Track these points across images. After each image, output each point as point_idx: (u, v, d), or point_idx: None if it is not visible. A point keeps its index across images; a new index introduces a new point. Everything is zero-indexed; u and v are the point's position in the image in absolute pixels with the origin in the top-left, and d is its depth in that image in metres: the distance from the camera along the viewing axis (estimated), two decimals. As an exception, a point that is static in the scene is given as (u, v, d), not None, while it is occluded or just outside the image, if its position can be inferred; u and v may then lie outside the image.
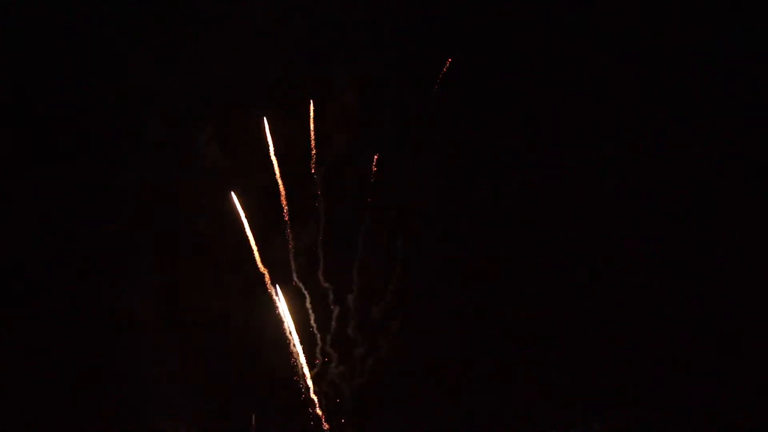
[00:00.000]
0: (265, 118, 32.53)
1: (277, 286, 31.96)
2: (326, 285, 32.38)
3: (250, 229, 32.16)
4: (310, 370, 32.05)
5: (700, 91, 31.85)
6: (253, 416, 31.81)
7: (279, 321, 31.92)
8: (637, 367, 31.32)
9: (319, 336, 32.33)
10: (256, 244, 32.24)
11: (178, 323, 31.96)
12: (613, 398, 31.07)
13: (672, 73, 32.40)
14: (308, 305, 32.34)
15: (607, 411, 31.01)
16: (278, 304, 31.95)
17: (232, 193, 32.07)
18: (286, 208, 32.56)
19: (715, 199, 31.75)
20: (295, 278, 32.33)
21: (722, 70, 31.89)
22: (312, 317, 32.35)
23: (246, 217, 32.13)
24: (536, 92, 32.87)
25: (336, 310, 32.30)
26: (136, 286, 31.90)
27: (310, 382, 31.96)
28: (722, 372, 30.79)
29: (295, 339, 31.85)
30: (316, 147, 32.66)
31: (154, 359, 31.45)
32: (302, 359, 31.91)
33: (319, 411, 31.87)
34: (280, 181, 32.59)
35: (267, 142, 32.59)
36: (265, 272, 32.16)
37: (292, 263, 32.40)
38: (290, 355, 31.93)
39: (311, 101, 32.58)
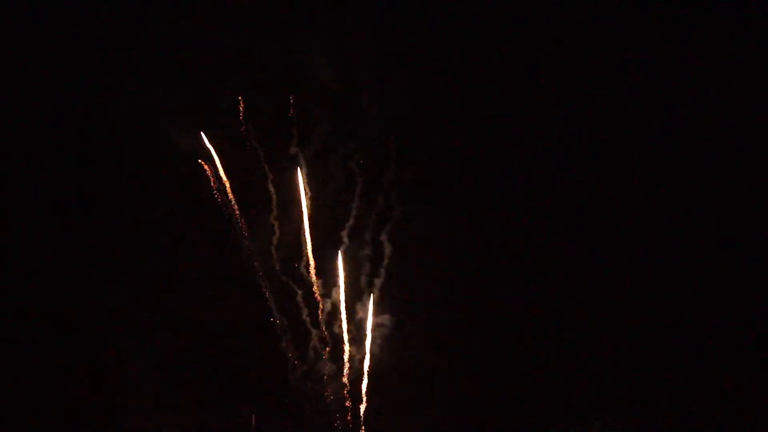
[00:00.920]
0: (240, 98, 31.59)
1: None
2: (311, 278, 31.90)
3: (231, 217, 31.69)
4: (303, 367, 31.99)
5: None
6: (253, 416, 31.87)
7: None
8: (637, 368, 31.08)
9: (314, 332, 32.14)
10: (241, 234, 31.78)
11: (168, 321, 31.68)
12: (613, 398, 30.93)
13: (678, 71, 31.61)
14: (299, 299, 31.98)
15: (607, 411, 31.03)
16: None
17: (202, 134, 31.21)
18: (273, 198, 31.95)
19: (716, 199, 31.19)
20: (279, 271, 31.94)
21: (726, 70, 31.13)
22: (305, 312, 32.03)
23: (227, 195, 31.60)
24: (524, 80, 32.05)
25: (323, 305, 31.90)
26: (122, 283, 31.54)
27: (302, 379, 32.02)
28: (722, 372, 30.53)
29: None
30: (298, 137, 31.76)
31: (142, 358, 31.46)
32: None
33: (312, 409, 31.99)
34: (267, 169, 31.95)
35: (245, 126, 31.76)
36: (256, 263, 31.81)
37: (275, 255, 31.92)
38: (282, 352, 31.87)
39: (291, 97, 31.63)
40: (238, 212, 31.71)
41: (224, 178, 31.63)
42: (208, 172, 31.54)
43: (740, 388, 30.39)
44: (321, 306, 31.80)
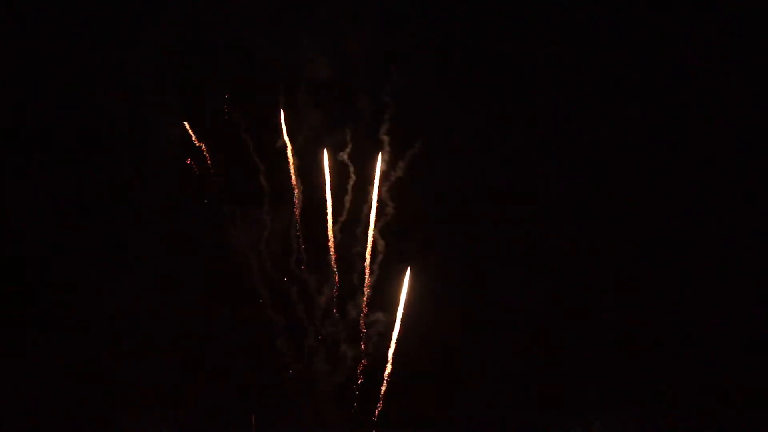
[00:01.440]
0: (227, 96, 31.52)
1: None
2: (303, 275, 31.84)
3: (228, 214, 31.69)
4: (299, 366, 31.96)
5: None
6: (253, 417, 31.85)
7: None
8: (637, 368, 31.05)
9: (310, 329, 32.09)
10: (233, 230, 31.80)
11: (167, 321, 31.65)
12: (613, 398, 30.88)
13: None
14: (294, 297, 31.90)
15: (607, 411, 31.04)
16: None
17: (185, 124, 31.11)
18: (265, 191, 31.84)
19: (717, 199, 31.18)
20: (271, 269, 31.84)
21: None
22: (301, 307, 31.98)
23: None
24: (521, 78, 32.04)
25: (317, 302, 31.84)
26: (121, 283, 31.50)
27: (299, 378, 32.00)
28: (723, 372, 30.54)
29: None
30: (289, 130, 31.56)
31: (141, 358, 31.45)
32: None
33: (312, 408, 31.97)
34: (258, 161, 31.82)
35: (235, 121, 31.67)
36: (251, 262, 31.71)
37: (265, 251, 31.81)
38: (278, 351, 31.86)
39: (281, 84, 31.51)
40: (229, 208, 31.73)
41: (216, 173, 31.62)
42: (196, 170, 31.55)
43: (740, 388, 30.34)
44: (316, 303, 31.82)
